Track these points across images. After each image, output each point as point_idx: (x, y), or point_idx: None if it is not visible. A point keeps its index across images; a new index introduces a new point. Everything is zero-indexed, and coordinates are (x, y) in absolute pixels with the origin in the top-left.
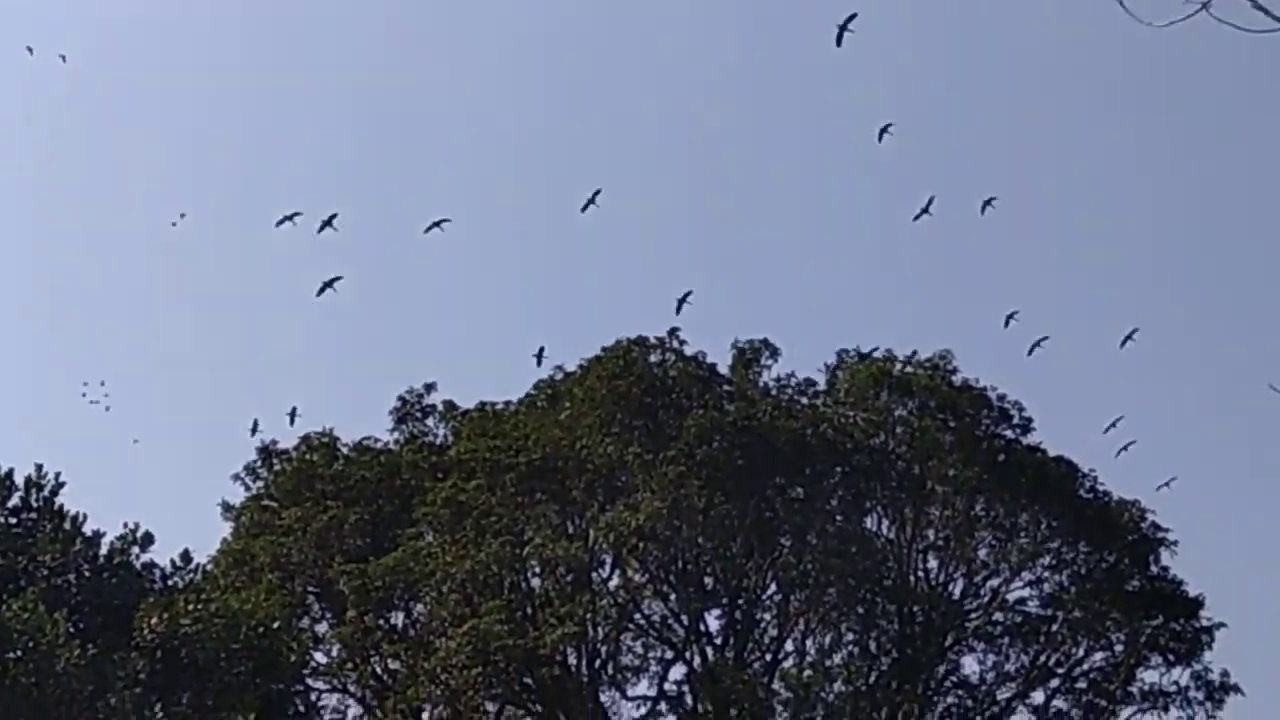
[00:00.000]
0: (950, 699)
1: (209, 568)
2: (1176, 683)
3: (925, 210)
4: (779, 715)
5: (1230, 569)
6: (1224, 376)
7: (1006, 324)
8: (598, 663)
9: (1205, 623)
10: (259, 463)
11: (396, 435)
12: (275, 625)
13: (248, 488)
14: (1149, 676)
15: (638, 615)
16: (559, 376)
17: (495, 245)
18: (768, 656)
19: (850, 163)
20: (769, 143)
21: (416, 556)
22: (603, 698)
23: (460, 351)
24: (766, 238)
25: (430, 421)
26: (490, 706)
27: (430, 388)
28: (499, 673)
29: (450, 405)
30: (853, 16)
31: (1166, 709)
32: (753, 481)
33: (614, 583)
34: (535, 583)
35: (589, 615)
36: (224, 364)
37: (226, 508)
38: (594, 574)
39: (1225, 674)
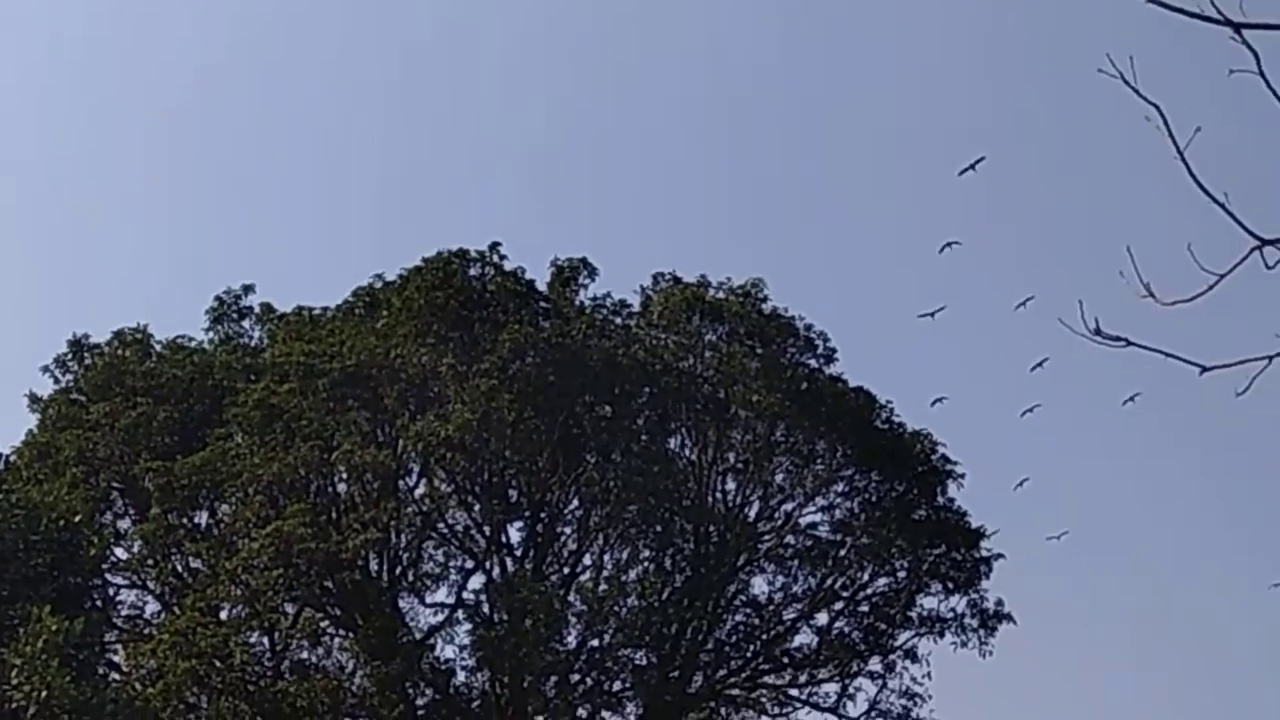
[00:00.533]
0: (739, 617)
1: (12, 459)
2: (954, 609)
3: (973, 166)
4: (573, 627)
5: (1014, 503)
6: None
7: (1039, 366)
8: (399, 569)
9: (984, 553)
10: (69, 356)
11: (211, 335)
12: (77, 519)
13: (57, 380)
14: (928, 603)
15: (441, 524)
16: (378, 285)
17: (331, 148)
18: (566, 570)
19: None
20: (613, 59)
21: (224, 457)
22: (401, 604)
23: (282, 254)
24: (598, 157)
25: (246, 323)
26: (289, 608)
27: (248, 289)
28: (300, 575)
29: (268, 308)
30: (981, 159)
31: (942, 634)
32: (563, 398)
33: (420, 491)
34: (342, 488)
35: (393, 522)
36: (38, 254)
37: (34, 400)
38: (401, 482)
39: (1000, 603)
